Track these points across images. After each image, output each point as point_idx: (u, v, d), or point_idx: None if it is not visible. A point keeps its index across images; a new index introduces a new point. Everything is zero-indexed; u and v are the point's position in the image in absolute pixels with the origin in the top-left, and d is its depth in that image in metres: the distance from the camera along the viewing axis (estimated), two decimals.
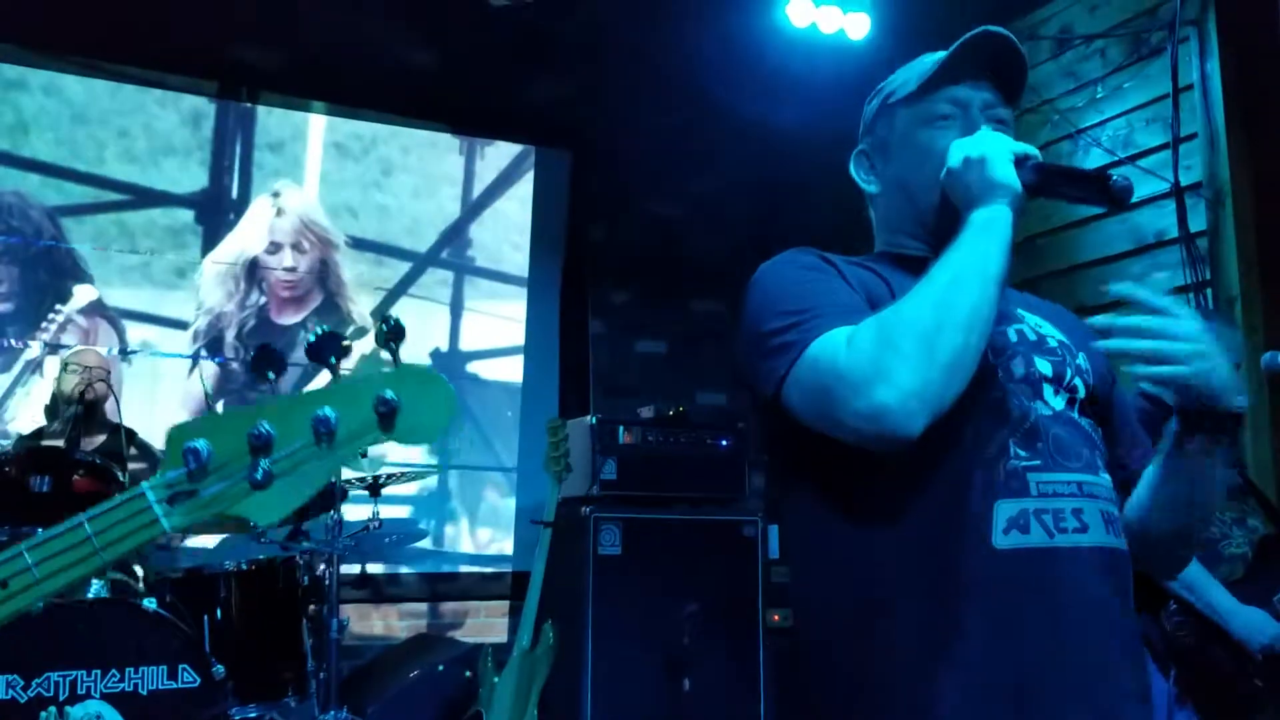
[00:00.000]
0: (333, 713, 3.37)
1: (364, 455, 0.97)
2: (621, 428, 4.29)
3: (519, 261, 5.41)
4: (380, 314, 5.00)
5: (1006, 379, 1.36)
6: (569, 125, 5.44)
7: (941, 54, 1.49)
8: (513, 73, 5.25)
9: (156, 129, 4.74)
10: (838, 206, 5.38)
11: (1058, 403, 1.39)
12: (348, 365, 1.03)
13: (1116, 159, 3.93)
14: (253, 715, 3.24)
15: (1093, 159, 4.04)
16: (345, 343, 1.02)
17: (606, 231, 5.56)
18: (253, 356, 1.08)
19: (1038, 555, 1.28)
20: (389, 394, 0.92)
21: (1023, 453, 1.32)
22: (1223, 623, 2.61)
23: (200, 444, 0.89)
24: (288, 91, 4.94)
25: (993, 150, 1.36)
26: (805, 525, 1.44)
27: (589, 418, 4.28)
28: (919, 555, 1.29)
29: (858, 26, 4.55)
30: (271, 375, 1.04)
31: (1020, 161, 1.36)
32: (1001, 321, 1.39)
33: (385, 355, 1.00)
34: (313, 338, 1.01)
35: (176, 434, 0.90)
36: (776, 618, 4.24)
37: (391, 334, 1.02)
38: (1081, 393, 1.42)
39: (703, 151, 5.69)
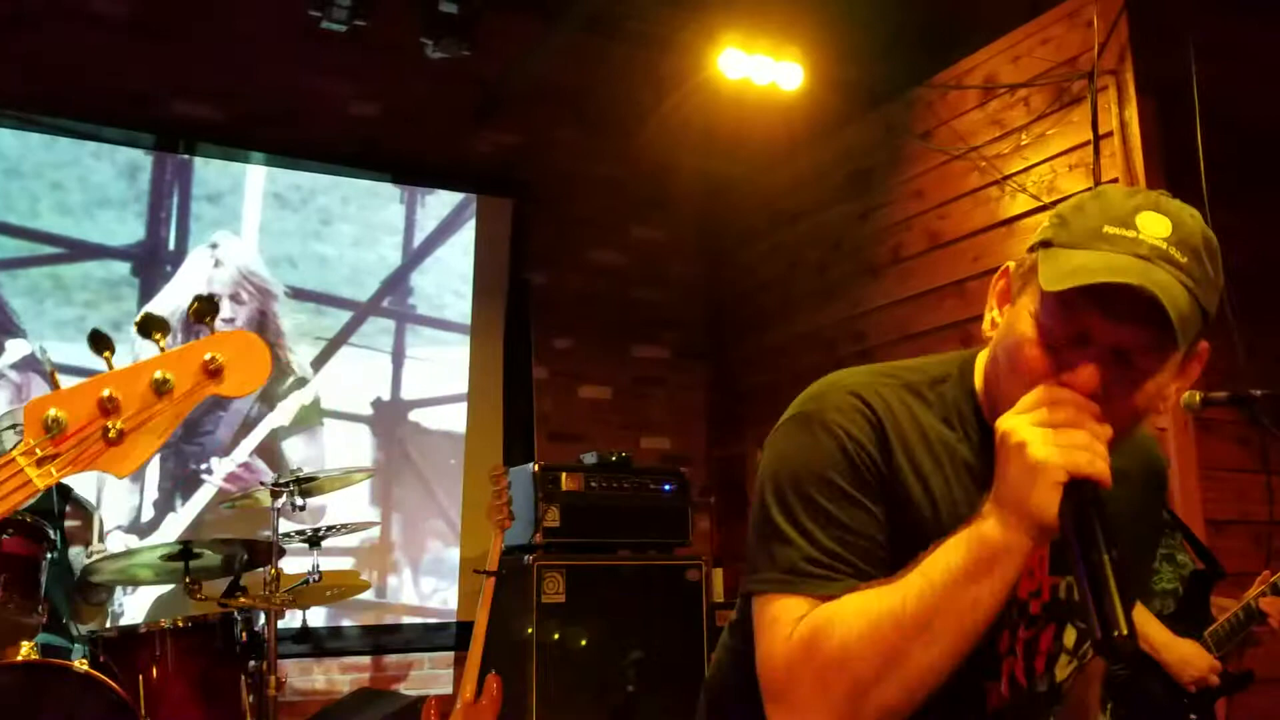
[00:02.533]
0: None
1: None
2: (564, 474, 4.30)
3: (462, 309, 5.41)
4: (311, 365, 4.98)
5: (1027, 656, 1.24)
6: (511, 174, 5.48)
7: (1122, 241, 1.12)
8: (454, 122, 5.29)
9: (92, 181, 4.70)
10: (777, 254, 5.50)
11: (1065, 671, 1.28)
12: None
13: (1041, 205, 4.04)
14: None
15: (1018, 205, 4.15)
16: (164, 321, 1.20)
17: (550, 278, 5.60)
18: (194, 306, 1.25)
19: None
20: (212, 355, 1.11)
21: None
22: (1157, 656, 2.66)
23: (56, 412, 1.05)
24: (226, 143, 4.93)
25: (1052, 459, 1.05)
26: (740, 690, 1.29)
27: (531, 465, 4.29)
28: None
29: (790, 77, 4.65)
30: (107, 354, 1.19)
31: (1072, 492, 1.05)
32: (1036, 578, 1.22)
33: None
34: (139, 319, 1.20)
35: (34, 407, 1.05)
36: None
37: (204, 309, 1.21)
38: (1082, 660, 1.31)
39: (645, 199, 5.77)
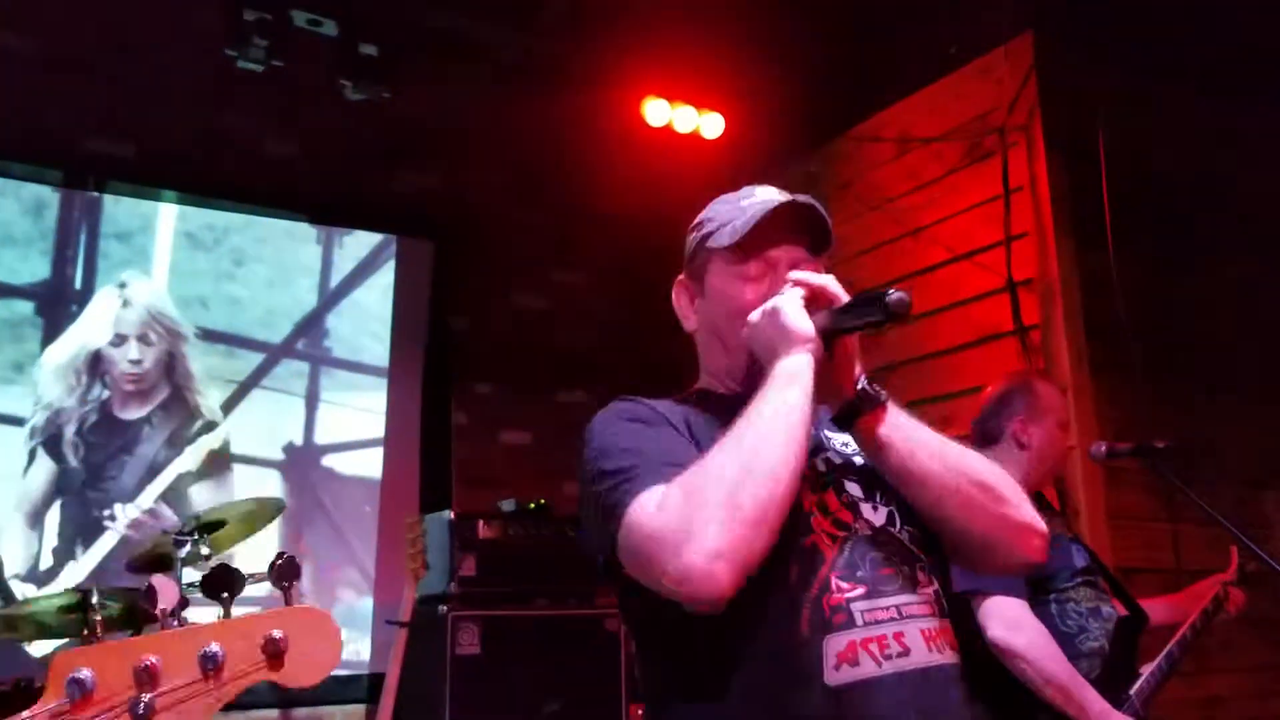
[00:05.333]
0: None
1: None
2: (481, 522, 4.23)
3: (379, 352, 5.33)
4: (221, 408, 4.86)
5: (824, 512, 1.43)
6: (431, 216, 5.44)
7: (757, 199, 1.56)
8: (374, 163, 5.24)
9: None
10: None
11: (878, 518, 1.46)
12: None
13: (955, 257, 4.12)
14: None
15: (932, 255, 4.23)
16: (243, 578, 1.04)
17: (470, 322, 5.55)
18: (205, 579, 1.07)
19: (869, 686, 1.32)
20: (277, 633, 0.93)
21: (845, 585, 1.37)
22: None
23: (85, 674, 0.88)
24: (138, 181, 4.82)
25: (786, 300, 1.44)
26: (658, 676, 1.48)
27: (447, 512, 4.22)
28: (759, 699, 1.33)
29: (712, 126, 4.70)
30: (225, 595, 1.03)
31: (814, 307, 1.44)
32: (811, 454, 1.44)
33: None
34: (206, 571, 1.01)
35: (63, 662, 0.88)
36: (639, 713, 4.19)
37: (283, 573, 1.03)
38: (898, 505, 1.48)
39: (567, 243, 5.77)
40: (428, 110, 5.09)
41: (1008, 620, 2.51)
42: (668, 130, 4.77)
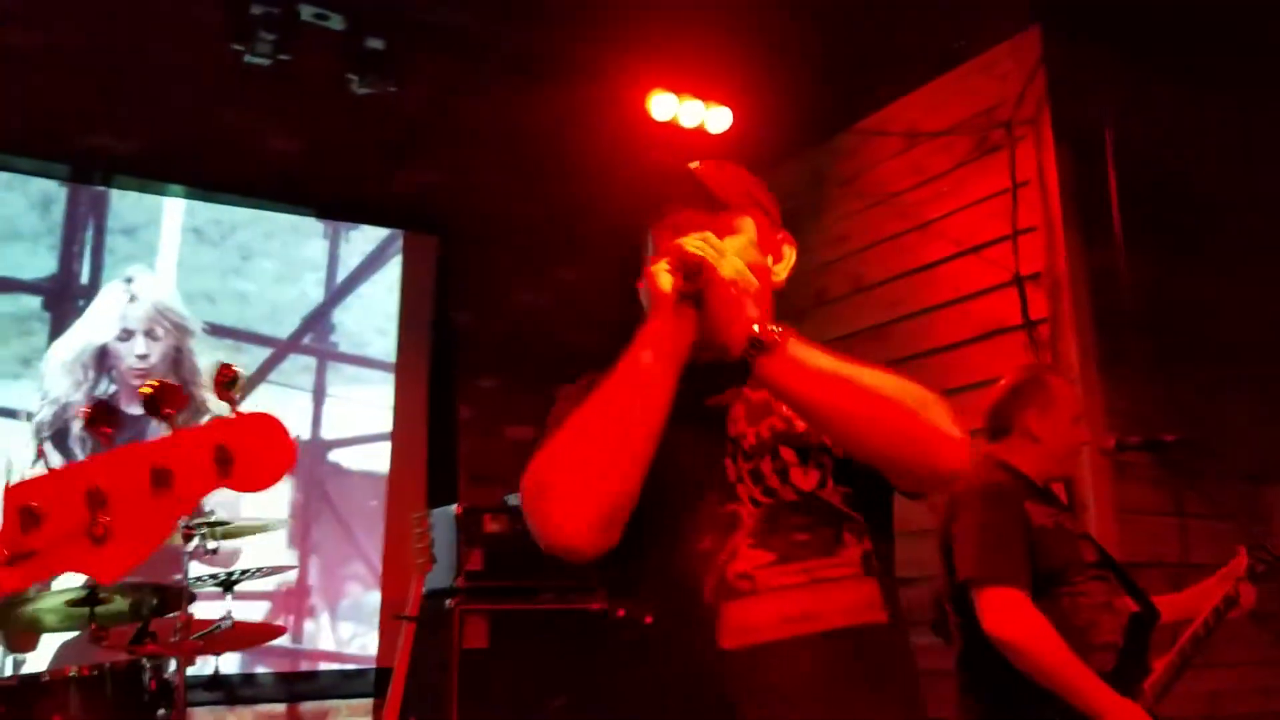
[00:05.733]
0: None
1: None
2: (488, 516, 4.23)
3: (385, 347, 5.33)
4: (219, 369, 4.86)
5: (756, 479, 1.47)
6: (437, 211, 5.44)
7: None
8: (379, 158, 5.24)
9: (2, 213, 4.56)
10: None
11: (808, 481, 1.48)
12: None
13: (961, 251, 4.12)
14: None
15: (938, 249, 4.23)
16: (184, 392, 0.99)
17: (476, 317, 5.55)
18: (88, 412, 1.03)
19: (764, 651, 1.35)
20: (226, 442, 0.92)
21: (754, 551, 1.41)
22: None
23: (35, 504, 0.87)
24: (144, 175, 4.82)
25: (656, 266, 1.48)
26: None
27: (453, 507, 4.21)
28: (667, 663, 1.41)
29: (719, 120, 4.70)
30: (109, 431, 1.00)
31: (678, 269, 1.45)
32: (754, 420, 1.51)
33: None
34: (149, 389, 0.97)
35: (12, 494, 0.88)
36: None
37: (226, 381, 1.00)
38: (832, 465, 1.50)
39: (572, 239, 5.76)
40: (433, 105, 5.09)
41: (1004, 611, 2.51)
42: (673, 125, 4.77)
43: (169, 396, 0.96)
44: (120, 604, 3.39)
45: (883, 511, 1.52)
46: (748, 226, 1.60)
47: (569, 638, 4.10)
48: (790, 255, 1.68)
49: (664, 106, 4.65)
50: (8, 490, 0.88)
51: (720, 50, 4.60)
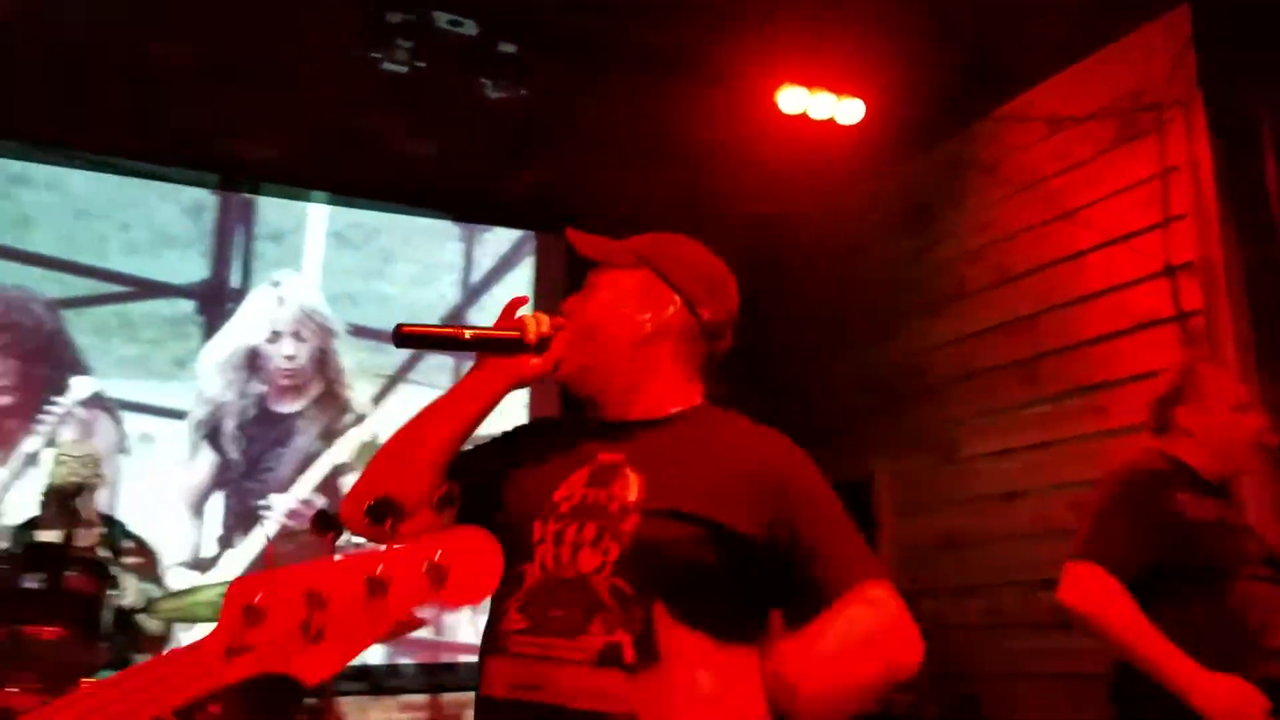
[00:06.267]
0: None
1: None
2: None
3: None
4: (371, 401, 5.01)
5: (556, 543, 1.52)
6: (567, 211, 5.48)
7: None
8: (511, 160, 5.32)
9: (158, 221, 4.80)
10: (829, 283, 5.44)
11: (589, 563, 1.50)
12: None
13: (1108, 240, 3.96)
14: None
15: (1085, 238, 4.07)
16: (400, 509, 1.08)
17: None
18: (312, 520, 1.30)
19: (494, 705, 1.48)
20: (439, 557, 0.96)
21: (517, 615, 1.50)
22: (1187, 698, 2.45)
23: (258, 600, 0.93)
24: (289, 182, 5.00)
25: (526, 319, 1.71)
26: None
27: None
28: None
29: (851, 112, 4.62)
30: (331, 535, 1.12)
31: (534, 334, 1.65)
32: (592, 483, 1.57)
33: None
34: (373, 504, 1.08)
35: (237, 590, 0.94)
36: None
37: (445, 499, 1.25)
38: (619, 555, 1.49)
39: (699, 233, 5.74)
40: (563, 106, 5.14)
41: (1077, 582, 2.47)
42: (803, 119, 4.70)
43: (389, 510, 1.06)
44: None
45: (714, 619, 1.41)
46: (622, 281, 1.72)
47: None
48: (671, 309, 1.69)
49: (793, 100, 4.59)
50: (233, 584, 0.94)
51: (851, 41, 4.52)
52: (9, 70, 4.26)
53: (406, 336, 1.62)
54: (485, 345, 1.67)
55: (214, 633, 0.95)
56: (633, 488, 1.55)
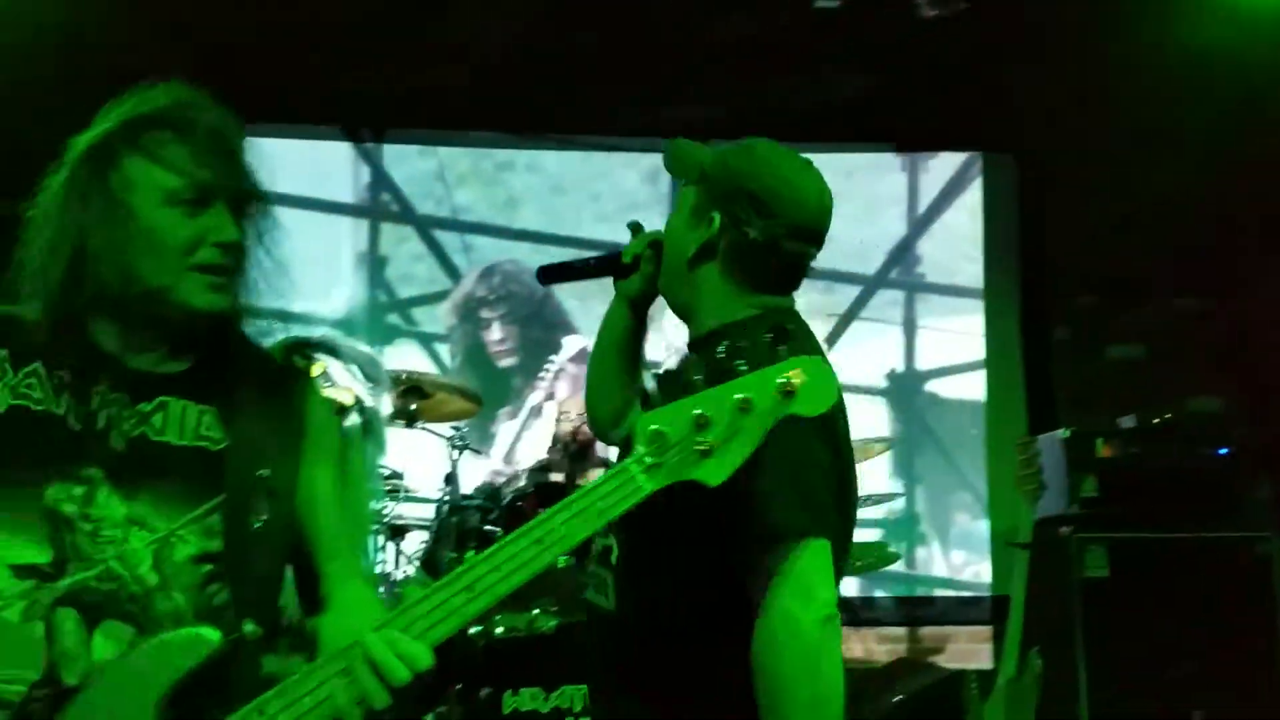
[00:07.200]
0: None
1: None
2: (1099, 440, 4.01)
3: (973, 273, 5.26)
4: (824, 342, 5.09)
5: None
6: (1014, 129, 5.21)
7: None
8: (951, 82, 5.13)
9: (622, 189, 5.19)
10: None
11: None
12: None
13: None
14: None
15: None
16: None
17: (1064, 234, 5.24)
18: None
19: None
20: (787, 377, 1.19)
21: None
22: None
23: (659, 426, 1.18)
24: (731, 137, 5.16)
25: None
26: None
27: (1061, 432, 4.05)
28: None
29: None
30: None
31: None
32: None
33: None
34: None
35: (645, 421, 1.19)
36: None
37: (777, 336, 1.38)
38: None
39: (1155, 141, 5.19)
40: (1003, 22, 4.86)
41: None
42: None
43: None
44: None
45: None
46: (687, 199, 1.70)
47: (1200, 568, 3.77)
48: (715, 228, 1.64)
49: None
50: (642, 417, 1.21)
51: None
52: (493, 71, 4.79)
53: (547, 274, 1.89)
54: (599, 269, 1.83)
55: (632, 457, 1.18)
56: None
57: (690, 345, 1.71)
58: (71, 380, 1.28)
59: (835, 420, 1.54)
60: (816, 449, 1.50)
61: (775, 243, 1.63)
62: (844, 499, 1.57)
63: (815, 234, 1.69)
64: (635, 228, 1.83)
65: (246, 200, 1.32)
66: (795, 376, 1.18)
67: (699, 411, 1.17)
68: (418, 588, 1.18)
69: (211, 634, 1.18)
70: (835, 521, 1.50)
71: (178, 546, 1.26)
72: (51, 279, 1.26)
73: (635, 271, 1.76)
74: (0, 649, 1.19)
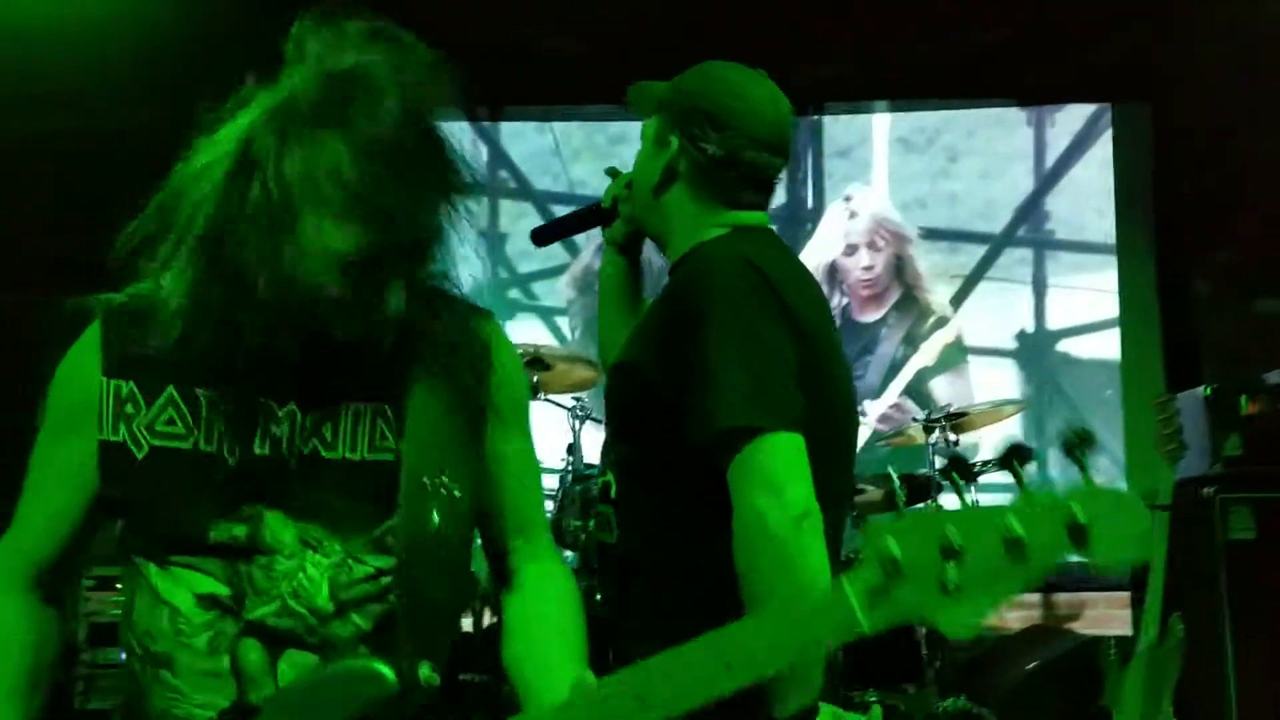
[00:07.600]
0: (952, 699, 3.41)
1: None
2: (1244, 397, 3.84)
3: (1104, 229, 5.09)
4: (950, 303, 4.97)
5: None
6: (1144, 77, 5.00)
7: None
8: (1077, 31, 4.95)
9: None
10: None
11: None
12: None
13: None
14: (873, 699, 3.38)
15: None
16: (1029, 450, 1.02)
17: (1201, 184, 5.01)
18: (1004, 453, 1.03)
19: None
20: (1079, 516, 0.90)
21: None
22: None
23: (894, 547, 0.91)
24: (852, 98, 5.10)
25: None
26: None
27: (1202, 389, 3.90)
28: None
29: None
30: (963, 481, 1.05)
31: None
32: None
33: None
34: (1006, 447, 0.99)
35: (873, 533, 0.93)
36: None
37: (1079, 443, 0.96)
38: None
39: None
40: None
41: None
42: None
43: (1022, 455, 0.98)
44: (874, 494, 3.70)
45: None
46: (648, 131, 1.70)
47: None
48: (674, 150, 1.64)
49: None
50: (871, 526, 0.94)
51: None
52: (605, 44, 4.81)
53: (540, 236, 1.89)
54: (586, 220, 1.85)
55: (849, 575, 0.94)
56: None
57: (669, 273, 1.68)
58: (216, 400, 1.17)
59: (784, 295, 1.47)
60: (767, 330, 1.43)
61: (734, 155, 1.61)
62: (818, 384, 1.46)
63: (775, 144, 1.65)
64: (612, 173, 1.83)
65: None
66: (1086, 511, 0.89)
67: (953, 537, 0.89)
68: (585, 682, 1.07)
69: (389, 673, 1.09)
70: (799, 411, 1.39)
71: (355, 568, 1.19)
72: (197, 256, 1.11)
73: (618, 216, 1.78)
74: (192, 677, 1.17)
